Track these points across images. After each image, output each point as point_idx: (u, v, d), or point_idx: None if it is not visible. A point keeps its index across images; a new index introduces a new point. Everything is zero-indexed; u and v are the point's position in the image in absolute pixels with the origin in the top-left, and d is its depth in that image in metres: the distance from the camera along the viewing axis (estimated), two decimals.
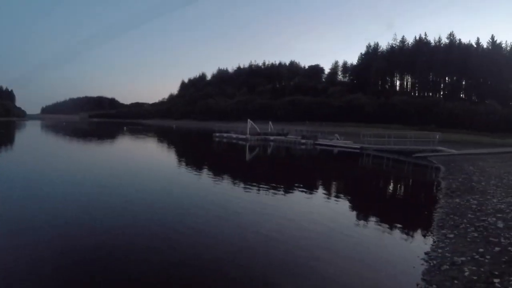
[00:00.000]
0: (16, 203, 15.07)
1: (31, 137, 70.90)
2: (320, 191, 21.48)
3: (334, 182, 26.51)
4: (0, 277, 8.34)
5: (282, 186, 21.24)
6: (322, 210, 15.96)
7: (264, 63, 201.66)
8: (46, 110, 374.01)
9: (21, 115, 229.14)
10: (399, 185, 25.73)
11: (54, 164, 29.26)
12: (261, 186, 21.12)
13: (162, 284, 8.32)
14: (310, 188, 21.63)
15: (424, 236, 11.84)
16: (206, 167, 30.88)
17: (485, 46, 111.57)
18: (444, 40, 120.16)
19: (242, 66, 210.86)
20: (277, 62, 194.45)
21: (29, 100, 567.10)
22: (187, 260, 9.63)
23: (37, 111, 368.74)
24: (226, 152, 49.47)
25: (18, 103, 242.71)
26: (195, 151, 49.97)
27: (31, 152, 39.66)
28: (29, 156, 35.13)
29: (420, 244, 11.03)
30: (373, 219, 14.24)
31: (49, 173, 24.18)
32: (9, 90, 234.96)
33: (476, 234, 10.50)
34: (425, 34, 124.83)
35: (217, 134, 70.93)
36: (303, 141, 56.99)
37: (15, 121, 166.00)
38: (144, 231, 11.90)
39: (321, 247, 10.97)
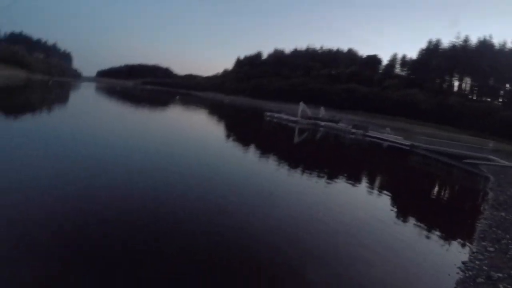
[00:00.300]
0: (63, 162, 15.97)
1: (83, 99, 73.10)
2: (365, 183, 21.53)
3: (380, 177, 26.47)
4: (28, 228, 9.08)
5: (328, 174, 21.53)
6: (365, 203, 16.22)
7: (321, 48, 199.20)
8: (101, 74, 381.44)
9: (77, 76, 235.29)
10: (445, 189, 25.41)
11: (107, 127, 30.38)
12: (308, 171, 21.49)
13: (213, 263, 8.81)
14: (356, 179, 21.80)
15: (464, 245, 11.87)
16: (255, 145, 31.32)
17: None
18: (510, 44, 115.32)
19: (299, 49, 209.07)
20: (334, 48, 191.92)
21: (86, 62, 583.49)
22: (234, 238, 10.10)
23: (93, 73, 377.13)
24: (276, 132, 49.85)
25: (75, 65, 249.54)
26: (246, 128, 50.53)
27: (81, 114, 41.15)
28: (80, 117, 36.56)
29: (458, 252, 11.10)
30: (414, 219, 14.33)
31: (102, 136, 25.25)
32: (67, 51, 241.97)
33: None
34: (490, 36, 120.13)
35: (268, 114, 71.17)
36: (353, 130, 56.61)
37: (70, 81, 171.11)
38: (191, 206, 12.43)
39: (359, 240, 11.21)
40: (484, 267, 9.52)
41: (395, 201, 17.60)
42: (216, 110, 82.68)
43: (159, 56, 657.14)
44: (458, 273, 9.31)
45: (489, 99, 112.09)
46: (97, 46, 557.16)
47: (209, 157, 22.33)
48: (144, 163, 17.80)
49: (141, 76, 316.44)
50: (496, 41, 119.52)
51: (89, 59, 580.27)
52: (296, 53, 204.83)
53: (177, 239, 9.52)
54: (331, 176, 21.02)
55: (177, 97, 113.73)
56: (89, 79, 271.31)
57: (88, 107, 50.22)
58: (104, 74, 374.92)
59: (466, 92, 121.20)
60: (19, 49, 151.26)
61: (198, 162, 19.97)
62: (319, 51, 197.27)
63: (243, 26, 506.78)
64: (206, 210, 12.02)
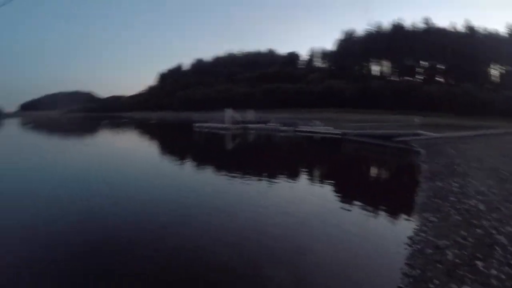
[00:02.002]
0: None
1: (7, 137, 69.57)
2: (303, 177, 21.48)
3: (317, 168, 26.54)
4: None
5: (266, 175, 21.17)
6: (305, 197, 16.00)
7: (241, 52, 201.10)
8: (24, 107, 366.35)
9: None
10: (380, 170, 25.86)
11: (39, 164, 28.79)
12: (245, 175, 21.07)
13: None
14: (293, 175, 21.63)
15: (407, 220, 11.89)
16: (188, 159, 30.66)
17: (460, 31, 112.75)
18: (420, 25, 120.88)
19: (219, 55, 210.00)
20: (255, 51, 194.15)
21: (6, 98, 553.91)
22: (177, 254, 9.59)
23: (15, 108, 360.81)
24: (207, 143, 49.30)
25: None
26: (176, 144, 49.56)
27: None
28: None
29: (403, 228, 11.09)
30: (356, 204, 14.28)
31: (35, 172, 23.85)
32: None
33: (458, 217, 10.57)
34: (401, 19, 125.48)
35: (197, 125, 70.23)
36: (284, 128, 56.88)
37: None
38: (134, 227, 11.82)
39: (305, 233, 11.00)
40: (430, 238, 9.51)
41: (334, 190, 17.64)
42: (145, 129, 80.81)
43: (81, 81, 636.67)
44: (406, 248, 9.24)
45: (409, 78, 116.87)
46: (15, 79, 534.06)
47: (142, 180, 21.46)
48: (78, 193, 16.83)
49: (64, 104, 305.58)
50: (408, 23, 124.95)
51: (8, 93, 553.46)
52: (217, 61, 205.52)
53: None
54: (271, 176, 20.74)
55: (104, 121, 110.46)
56: (11, 115, 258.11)
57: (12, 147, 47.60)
58: (27, 107, 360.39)
59: (386, 75, 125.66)
60: None
61: (133, 186, 19.13)
62: (240, 55, 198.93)
63: (162, 38, 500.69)
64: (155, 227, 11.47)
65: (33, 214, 13.27)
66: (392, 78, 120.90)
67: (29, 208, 14.09)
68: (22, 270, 8.83)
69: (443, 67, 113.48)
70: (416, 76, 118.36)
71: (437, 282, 7.00)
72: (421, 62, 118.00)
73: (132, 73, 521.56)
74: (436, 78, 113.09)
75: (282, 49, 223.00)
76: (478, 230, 9.21)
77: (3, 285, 8.18)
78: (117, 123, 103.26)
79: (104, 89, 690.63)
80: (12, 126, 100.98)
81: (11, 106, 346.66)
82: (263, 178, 19.89)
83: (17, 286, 8.17)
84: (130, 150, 38.21)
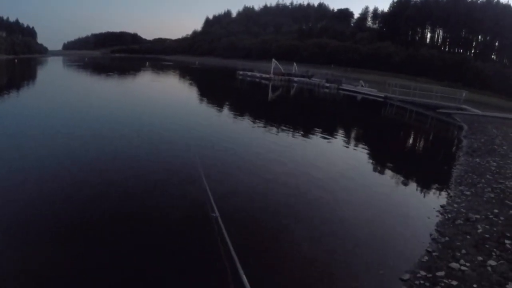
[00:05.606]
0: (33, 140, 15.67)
1: (52, 74, 71.03)
2: (341, 137, 21.57)
3: (355, 130, 26.69)
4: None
5: (304, 129, 21.53)
6: (341, 157, 16.32)
7: (291, 3, 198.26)
8: (68, 46, 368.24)
9: (43, 51, 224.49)
10: (420, 139, 25.73)
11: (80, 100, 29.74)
12: (282, 128, 21.48)
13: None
14: (331, 133, 21.83)
15: (441, 190, 12.07)
16: (230, 105, 31.09)
17: None
18: None
19: (269, 5, 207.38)
20: (305, 3, 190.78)
21: (51, 36, 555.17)
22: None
23: (59, 47, 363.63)
24: (249, 90, 49.63)
25: (39, 40, 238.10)
26: (219, 89, 50.03)
27: (53, 88, 40.28)
28: (50, 93, 35.83)
29: (437, 197, 11.35)
30: (392, 169, 14.55)
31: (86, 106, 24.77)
32: (31, 27, 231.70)
33: (492, 195, 10.73)
34: None
35: (241, 73, 70.47)
36: (327, 84, 56.47)
37: (36, 57, 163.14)
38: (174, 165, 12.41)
39: (340, 192, 11.33)
40: (462, 209, 9.74)
41: (373, 153, 17.88)
42: (188, 73, 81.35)
43: (126, 22, 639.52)
44: (437, 216, 9.52)
45: (461, 51, 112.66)
46: (61, 17, 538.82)
47: (183, 123, 22.08)
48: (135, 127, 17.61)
49: (109, 44, 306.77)
50: None
51: (54, 32, 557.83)
52: (266, 10, 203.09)
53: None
54: (308, 132, 21.08)
55: (147, 63, 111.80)
56: (56, 53, 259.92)
57: (67, 83, 48.94)
58: (71, 46, 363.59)
59: (438, 44, 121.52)
60: None
61: (179, 125, 19.79)
62: (290, 6, 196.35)
63: None
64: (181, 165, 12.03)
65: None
66: (443, 48, 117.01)
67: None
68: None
69: (499, 45, 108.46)
70: (470, 50, 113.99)
71: (464, 251, 7.29)
72: (477, 36, 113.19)
73: (178, 17, 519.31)
74: (490, 55, 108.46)
75: (333, 4, 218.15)
76: (511, 211, 9.39)
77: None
78: (160, 65, 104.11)
79: (149, 31, 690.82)
80: (58, 64, 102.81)
81: (56, 45, 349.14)
82: (297, 134, 20.18)
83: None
84: (172, 95, 38.94)
